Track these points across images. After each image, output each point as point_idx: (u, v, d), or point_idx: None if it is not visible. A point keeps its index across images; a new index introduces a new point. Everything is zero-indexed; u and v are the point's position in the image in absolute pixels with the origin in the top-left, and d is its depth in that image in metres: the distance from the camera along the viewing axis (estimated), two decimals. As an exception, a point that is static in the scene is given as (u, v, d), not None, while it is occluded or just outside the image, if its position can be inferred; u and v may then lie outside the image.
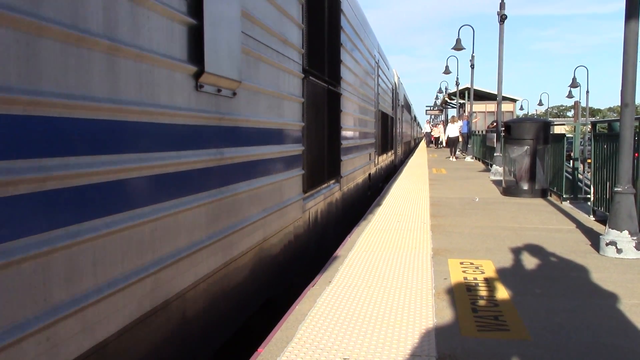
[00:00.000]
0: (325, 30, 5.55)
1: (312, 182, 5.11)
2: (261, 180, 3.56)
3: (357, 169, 8.18)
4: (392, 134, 14.96)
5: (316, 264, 5.25)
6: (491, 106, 33.73)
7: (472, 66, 24.00)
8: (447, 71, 30.09)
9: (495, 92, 16.67)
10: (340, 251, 5.49)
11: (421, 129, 62.57)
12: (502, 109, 16.77)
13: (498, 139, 14.64)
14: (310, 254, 5.16)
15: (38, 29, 1.52)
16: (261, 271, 3.60)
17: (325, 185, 5.94)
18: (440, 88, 45.32)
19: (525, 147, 9.64)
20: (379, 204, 8.79)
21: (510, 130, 9.87)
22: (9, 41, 1.42)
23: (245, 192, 3.26)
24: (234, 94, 3.09)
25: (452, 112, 43.12)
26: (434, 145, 33.97)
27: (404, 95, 22.05)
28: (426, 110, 47.93)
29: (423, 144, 42.00)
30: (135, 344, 2.01)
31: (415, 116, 51.30)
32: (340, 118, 6.64)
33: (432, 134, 35.24)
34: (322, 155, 5.59)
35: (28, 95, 1.48)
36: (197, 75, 2.61)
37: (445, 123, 35.08)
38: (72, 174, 1.66)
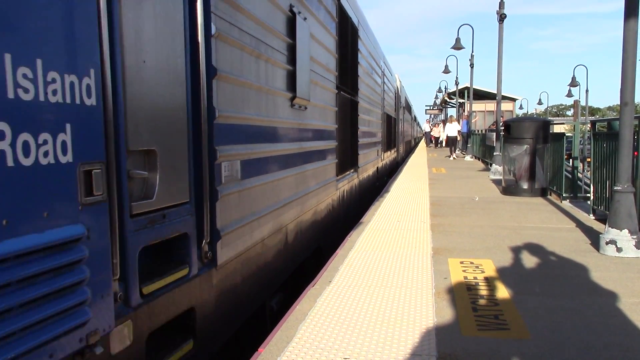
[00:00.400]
0: (348, 55, 7.35)
1: (341, 169, 6.88)
2: (317, 164, 5.39)
3: (368, 162, 10.00)
4: (394, 134, 16.88)
5: (343, 229, 7.24)
6: (491, 105, 33.76)
7: (472, 65, 24.03)
8: (446, 70, 30.10)
9: (495, 92, 16.69)
10: (340, 251, 5.50)
11: (421, 129, 62.47)
12: (502, 108, 16.79)
13: (498, 138, 14.66)
14: (341, 221, 7.11)
15: (243, 84, 3.35)
16: (315, 225, 5.45)
17: (348, 172, 7.74)
18: (439, 87, 45.29)
19: (525, 146, 9.65)
20: (378, 204, 8.80)
21: (509, 130, 9.88)
22: (236, 89, 3.17)
23: (310, 170, 5.08)
24: (305, 108, 4.95)
25: (451, 112, 43.16)
26: (433, 145, 33.55)
27: (405, 98, 24.70)
28: (426, 109, 47.91)
29: (423, 143, 41.98)
30: (273, 240, 3.94)
31: (415, 116, 51.50)
32: (357, 121, 8.29)
33: (432, 133, 34.74)
34: (346, 149, 7.34)
35: (241, 114, 3.26)
36: (292, 99, 4.45)
37: (445, 122, 35.08)
38: (255, 152, 3.47)
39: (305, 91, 4.73)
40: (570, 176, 9.85)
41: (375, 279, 4.42)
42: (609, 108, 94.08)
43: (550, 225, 6.93)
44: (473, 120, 25.56)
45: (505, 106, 32.47)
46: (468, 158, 21.79)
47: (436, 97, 51.76)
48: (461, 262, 4.93)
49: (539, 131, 9.62)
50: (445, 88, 44.36)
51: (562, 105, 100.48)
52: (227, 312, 3.08)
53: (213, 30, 2.74)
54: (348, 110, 7.36)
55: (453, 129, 25.66)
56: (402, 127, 21.32)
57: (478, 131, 23.90)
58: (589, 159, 9.88)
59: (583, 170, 12.67)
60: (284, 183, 4.17)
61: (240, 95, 3.25)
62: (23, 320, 1.57)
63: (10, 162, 1.54)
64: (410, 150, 31.11)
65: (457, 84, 33.21)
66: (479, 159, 21.00)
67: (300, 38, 4.45)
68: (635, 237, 5.23)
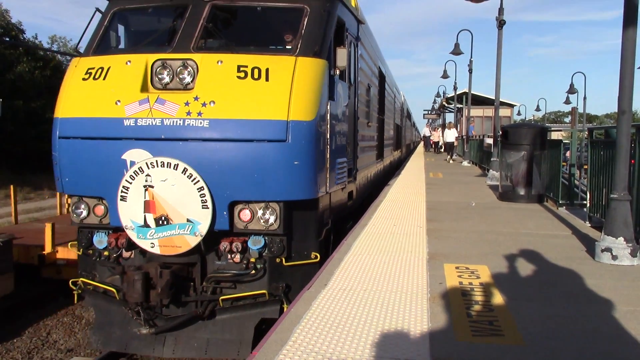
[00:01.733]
0: (382, 91, 12.25)
1: (378, 156, 11.88)
2: (370, 152, 10.24)
3: (387, 156, 14.91)
4: (401, 138, 22.07)
5: (380, 184, 12.49)
6: (489, 111, 33.79)
7: (470, 71, 24.06)
8: (445, 75, 30.11)
9: (493, 97, 16.71)
10: (336, 254, 5.48)
11: (419, 133, 62.52)
12: (500, 114, 16.79)
13: (495, 144, 14.68)
14: (380, 179, 12.76)
15: (362, 122, 9.32)
16: (374, 177, 11.22)
17: (380, 159, 12.39)
18: (438, 92, 45.33)
19: (522, 153, 9.64)
20: (375, 208, 8.80)
21: (507, 135, 9.88)
22: (360, 123, 8.59)
23: (370, 155, 10.25)
24: (370, 126, 10.11)
25: (449, 117, 43.16)
26: (433, 150, 32.56)
27: (407, 109, 29.36)
28: (424, 114, 47.96)
29: (421, 147, 42.01)
30: (365, 177, 9.64)
31: (414, 122, 51.98)
32: (384, 130, 13.02)
33: (431, 138, 34.14)
34: (380, 147, 12.21)
35: (363, 131, 8.93)
36: (367, 124, 9.49)
37: (444, 127, 35.03)
38: (362, 144, 8.75)
39: (373, 117, 10.35)
40: (567, 183, 9.89)
41: (370, 283, 4.41)
42: (607, 116, 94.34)
43: (546, 231, 6.92)
44: (470, 125, 25.66)
45: (503, 112, 32.48)
46: (465, 163, 21.82)
47: (435, 102, 51.83)
48: (457, 268, 4.92)
49: (536, 137, 9.61)
50: (443, 93, 44.40)
51: (560, 112, 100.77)
52: (360, 191, 8.57)
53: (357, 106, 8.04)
54: (380, 125, 12.33)
55: (451, 135, 25.91)
56: (405, 133, 26.73)
57: (475, 137, 23.96)
58: (585, 166, 9.91)
59: (580, 178, 12.70)
60: (367, 157, 9.70)
61: (361, 125, 8.39)
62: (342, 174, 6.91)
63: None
64: (409, 151, 33.40)
65: (455, 89, 33.18)
66: (476, 165, 21.04)
67: (373, 94, 10.08)
68: (630, 245, 5.22)
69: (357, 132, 7.86)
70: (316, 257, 5.67)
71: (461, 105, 35.66)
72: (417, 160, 23.96)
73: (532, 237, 6.46)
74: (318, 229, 5.81)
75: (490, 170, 14.29)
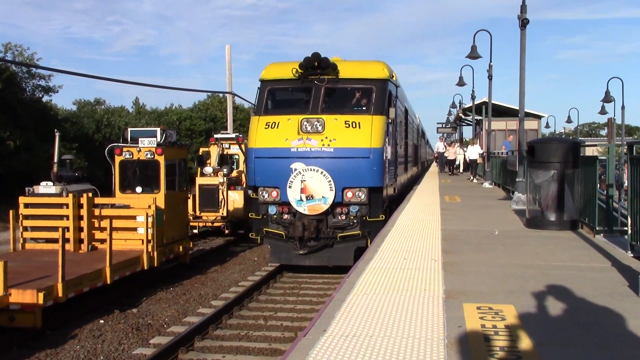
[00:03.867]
0: (406, 122, 18.61)
1: (405, 169, 18.60)
2: (401, 165, 17.51)
3: (409, 170, 20.75)
4: (417, 156, 28.44)
5: (406, 191, 18.78)
6: (512, 123, 33.90)
7: (490, 77, 24.21)
8: (461, 83, 30.34)
9: (517, 107, 16.83)
10: (336, 294, 5.49)
11: (432, 150, 62.75)
12: (525, 127, 16.89)
13: (520, 162, 14.76)
14: (416, 178, 25.42)
15: (412, 147, 23.02)
16: (411, 179, 21.72)
17: (405, 172, 18.57)
18: (453, 102, 45.64)
19: (552, 172, 9.67)
20: (381, 239, 8.79)
21: (534, 152, 9.91)
22: (408, 150, 20.41)
23: (401, 167, 17.52)
24: (417, 147, 27.49)
25: (467, 131, 43.27)
26: (448, 171, 31.39)
27: (422, 129, 36.30)
28: (437, 127, 48.05)
29: (434, 167, 42.12)
30: (407, 180, 19.48)
31: (427, 140, 52.92)
32: (407, 150, 19.44)
33: (446, 155, 32.37)
34: (406, 162, 18.96)
35: (402, 157, 17.84)
36: (416, 148, 26.70)
37: (461, 142, 34.93)
38: (398, 159, 16.26)
39: (402, 141, 17.38)
40: (604, 206, 9.90)
41: (377, 328, 4.40)
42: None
43: (581, 264, 6.94)
44: (508, 138, 25.51)
45: (529, 124, 32.62)
46: (487, 185, 21.91)
47: (449, 114, 52.18)
48: (478, 308, 4.93)
49: (568, 154, 9.64)
50: (459, 103, 44.68)
51: (594, 123, 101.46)
52: (398, 189, 15.89)
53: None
54: (405, 146, 18.71)
55: (474, 152, 25.83)
56: (421, 151, 33.30)
57: (498, 153, 24.08)
58: (626, 187, 9.94)
59: (619, 200, 12.73)
60: (400, 168, 16.37)
61: (398, 148, 15.64)
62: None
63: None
64: (424, 169, 39.78)
65: (473, 98, 33.24)
66: (499, 186, 21.12)
67: (402, 126, 17.26)
68: (680, 278, 5.23)
69: (397, 152, 15.53)
70: (382, 217, 12.45)
71: (480, 117, 35.89)
72: (431, 181, 24.04)
73: (565, 271, 6.48)
74: (383, 203, 12.94)
75: (516, 192, 14.34)
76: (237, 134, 20.36)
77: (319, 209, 12.40)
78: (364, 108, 13.35)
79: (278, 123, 12.83)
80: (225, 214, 18.13)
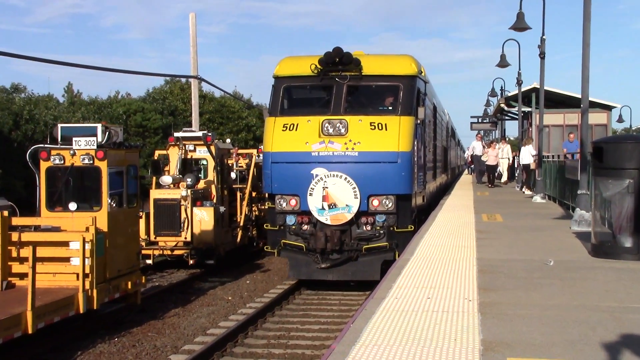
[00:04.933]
0: (434, 121, 21.95)
1: (434, 176, 21.97)
2: (430, 171, 20.92)
3: (437, 178, 23.66)
4: (446, 161, 31.49)
5: (435, 200, 22.71)
6: (572, 116, 33.97)
7: (542, 55, 24.04)
8: (503, 63, 30.32)
9: (578, 95, 16.79)
10: (337, 345, 5.48)
11: (463, 152, 62.55)
12: (590, 121, 16.91)
13: (584, 169, 14.75)
14: (444, 188, 29.30)
15: (441, 149, 27.70)
16: (438, 190, 24.79)
17: (434, 179, 22.01)
18: (492, 89, 45.53)
19: (627, 182, 9.68)
20: (398, 270, 8.78)
21: (602, 155, 9.92)
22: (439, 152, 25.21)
23: (431, 173, 21.13)
24: (446, 150, 32.09)
25: (511, 127, 43.20)
26: (487, 182, 30.47)
27: (452, 127, 39.31)
28: (472, 123, 47.93)
29: (466, 177, 42.02)
30: (435, 189, 23.02)
31: (459, 140, 53.29)
32: (436, 154, 23.11)
33: (484, 159, 31.41)
34: (434, 167, 22.15)
35: (430, 163, 21.04)
36: (445, 151, 30.68)
37: (494, 142, 34.56)
38: (428, 165, 19.46)
39: (430, 144, 20.48)
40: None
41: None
42: None
43: (666, 304, 6.99)
44: (569, 136, 25.20)
45: (596, 118, 32.62)
46: (538, 198, 21.92)
47: (488, 104, 52.28)
48: (526, 364, 4.96)
49: (647, 157, 9.68)
50: (501, 90, 44.76)
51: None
52: (427, 198, 19.07)
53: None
54: (434, 149, 21.38)
55: (527, 154, 25.68)
56: (450, 155, 36.23)
57: (553, 157, 24.09)
58: None
59: None
60: (429, 175, 19.54)
61: (427, 151, 18.67)
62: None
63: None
64: (454, 177, 42.49)
65: (519, 83, 33.22)
66: (554, 200, 21.13)
67: (431, 127, 20.32)
68: None
69: (426, 156, 17.85)
70: (411, 228, 14.76)
71: (529, 109, 35.93)
72: (463, 194, 24.03)
73: (644, 314, 6.54)
74: (412, 212, 15.34)
75: (577, 209, 14.31)
76: (205, 132, 20.49)
77: (342, 219, 14.61)
78: (391, 108, 15.53)
79: (297, 125, 15.08)
80: (189, 239, 18.18)
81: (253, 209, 21.70)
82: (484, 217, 16.15)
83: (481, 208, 18.43)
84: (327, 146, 14.66)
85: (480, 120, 48.58)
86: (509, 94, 40.60)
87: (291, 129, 15.01)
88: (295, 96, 16.43)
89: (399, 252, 13.95)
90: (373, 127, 14.70)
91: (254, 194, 21.51)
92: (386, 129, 14.71)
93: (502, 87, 46.32)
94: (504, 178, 32.94)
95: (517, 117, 37.88)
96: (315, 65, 15.24)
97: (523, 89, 33.66)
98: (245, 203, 20.56)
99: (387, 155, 14.65)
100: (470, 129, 48.56)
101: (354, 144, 14.61)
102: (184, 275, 18.33)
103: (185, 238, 18.06)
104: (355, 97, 15.66)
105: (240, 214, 20.55)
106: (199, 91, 30.93)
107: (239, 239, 20.29)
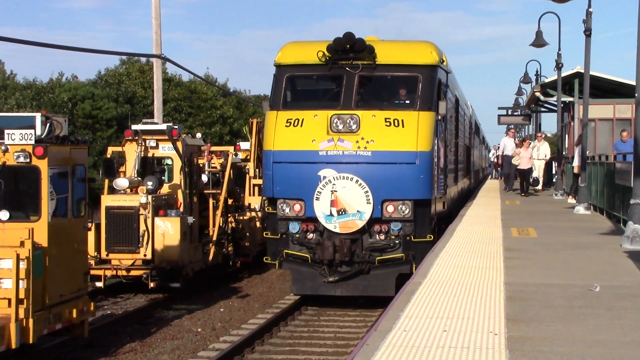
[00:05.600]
0: (456, 116, 24.01)
1: (455, 179, 24.51)
2: (453, 173, 24.22)
3: (459, 182, 26.50)
4: (469, 162, 33.94)
5: (464, 198, 29.82)
6: (624, 108, 33.83)
7: (588, 32, 24.01)
8: (539, 42, 30.25)
9: (632, 82, 16.78)
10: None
11: (489, 152, 62.77)
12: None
13: (638, 173, 14.66)
14: (465, 196, 31.12)
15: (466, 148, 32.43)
16: (459, 196, 27.36)
17: (455, 183, 24.41)
18: (526, 73, 45.46)
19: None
20: (407, 296, 8.71)
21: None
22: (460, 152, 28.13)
23: (452, 176, 23.56)
24: (469, 149, 34.55)
25: (548, 121, 43.31)
26: (521, 191, 29.99)
27: (475, 121, 41.06)
28: (499, 116, 47.77)
29: (493, 183, 42.04)
30: (456, 194, 25.39)
31: (483, 137, 53.72)
32: (458, 154, 25.39)
33: (514, 162, 30.20)
34: (456, 170, 24.75)
35: (452, 164, 23.25)
36: (468, 150, 33.26)
37: (527, 140, 34.34)
38: (453, 169, 23.76)
39: (452, 142, 22.09)
40: None
41: None
42: None
43: None
44: (622, 135, 24.91)
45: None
46: (581, 209, 21.92)
47: (519, 92, 52.30)
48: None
49: None
50: (536, 75, 44.77)
51: None
52: (448, 204, 20.69)
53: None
54: (456, 149, 23.16)
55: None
56: (474, 155, 38.52)
57: (600, 158, 24.04)
58: None
59: None
60: (450, 178, 21.27)
61: (447, 151, 20.25)
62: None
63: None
64: (478, 182, 44.25)
65: (559, 67, 32.97)
66: (601, 212, 21.13)
67: (452, 122, 21.91)
68: None
69: (447, 157, 18.75)
70: (430, 237, 16.01)
71: (571, 98, 35.91)
72: (488, 202, 24.05)
73: None
74: (431, 219, 16.69)
75: (630, 222, 14.23)
76: (171, 124, 20.40)
77: (353, 226, 15.66)
78: (408, 102, 16.70)
79: (302, 120, 16.13)
80: (149, 256, 18.08)
81: (229, 219, 21.69)
82: (514, 231, 16.32)
83: (510, 220, 18.49)
84: (337, 145, 15.63)
85: (510, 113, 48.52)
86: (546, 80, 40.68)
87: (296, 124, 15.95)
88: (300, 87, 17.61)
89: (416, 264, 14.84)
90: (388, 124, 15.62)
91: (230, 201, 21.59)
92: (403, 126, 15.67)
93: (537, 71, 46.62)
94: (540, 185, 32.79)
95: (555, 108, 37.93)
96: (323, 53, 16.06)
97: (563, 74, 33.58)
98: (219, 212, 20.56)
99: (404, 156, 15.65)
100: (497, 122, 48.63)
101: (367, 142, 15.55)
102: (143, 301, 18.27)
103: (145, 255, 17.93)
104: (368, 89, 16.74)
105: (213, 225, 20.50)
106: (162, 74, 30.84)
107: (211, 257, 20.18)
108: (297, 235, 16.07)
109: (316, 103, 16.75)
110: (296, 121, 15.92)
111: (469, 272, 10.68)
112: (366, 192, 15.25)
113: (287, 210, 15.90)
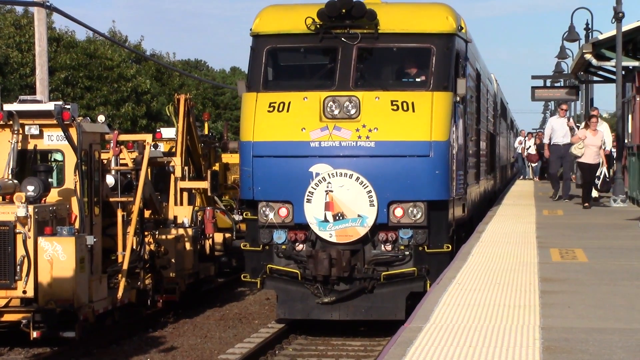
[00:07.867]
0: (478, 96, 29.53)
1: (476, 176, 30.72)
2: (473, 169, 29.70)
3: (482, 180, 33.54)
4: (494, 154, 37.48)
5: (489, 203, 36.66)
6: None
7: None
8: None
9: None
10: None
11: (515, 139, 64.75)
12: None
13: None
14: (489, 199, 38.41)
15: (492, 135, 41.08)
16: (481, 199, 34.13)
17: (476, 181, 31.34)
18: (571, 28, 45.93)
19: None
20: (403, 348, 8.87)
21: None
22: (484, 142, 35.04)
23: (472, 172, 28.82)
24: (494, 137, 41.71)
25: (603, 94, 43.58)
26: (583, 201, 29.85)
27: (502, 99, 45.68)
28: (534, 88, 48.16)
29: (522, 185, 42.54)
30: (478, 197, 31.04)
31: (512, 120, 56.51)
32: (479, 144, 33.07)
33: (574, 152, 29.56)
34: (477, 164, 31.62)
35: (473, 157, 29.34)
36: (493, 139, 39.33)
37: (586, 121, 34.15)
38: (475, 164, 29.48)
39: (473, 129, 27.46)
40: None
41: None
42: None
43: None
44: None
45: None
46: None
47: (562, 55, 52.74)
48: None
49: None
50: (586, 30, 45.11)
51: None
52: (469, 207, 24.92)
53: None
54: (477, 137, 28.35)
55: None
56: (500, 146, 42.98)
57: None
58: None
59: None
60: (471, 175, 26.20)
61: (468, 141, 24.67)
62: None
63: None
64: (504, 181, 50.05)
65: (619, 17, 33.04)
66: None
67: (474, 104, 27.65)
68: None
69: (467, 147, 21.42)
70: (448, 247, 18.42)
71: (635, 63, 36.29)
72: (517, 213, 24.22)
73: None
74: (448, 225, 19.11)
75: None
76: (61, 103, 19.34)
77: (353, 235, 17.18)
78: (420, 80, 18.48)
79: (288, 104, 17.77)
80: (30, 293, 17.03)
81: (146, 240, 21.26)
82: (555, 254, 15.93)
83: (550, 238, 18.42)
84: (332, 134, 17.22)
85: (549, 84, 49.02)
86: (601, 37, 40.36)
87: (280, 109, 17.64)
88: (285, 63, 19.28)
89: (430, 281, 16.04)
90: (395, 107, 17.32)
91: (147, 213, 21.35)
92: (413, 110, 17.33)
93: (587, 24, 46.17)
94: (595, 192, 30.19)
95: (614, 77, 37.76)
96: (313, 20, 17.47)
97: (625, 28, 32.79)
98: (131, 230, 19.61)
99: (415, 147, 17.41)
100: (531, 98, 48.93)
101: (369, 130, 17.15)
102: (21, 358, 18.20)
103: (25, 292, 16.82)
104: (369, 64, 18.33)
105: (124, 249, 19.64)
106: (48, 30, 30.78)
107: (120, 293, 19.18)
108: (284, 247, 17.34)
109: (305, 82, 18.09)
110: (281, 105, 17.35)
111: (490, 312, 10.53)
112: (369, 192, 16.49)
113: (270, 215, 17.18)
